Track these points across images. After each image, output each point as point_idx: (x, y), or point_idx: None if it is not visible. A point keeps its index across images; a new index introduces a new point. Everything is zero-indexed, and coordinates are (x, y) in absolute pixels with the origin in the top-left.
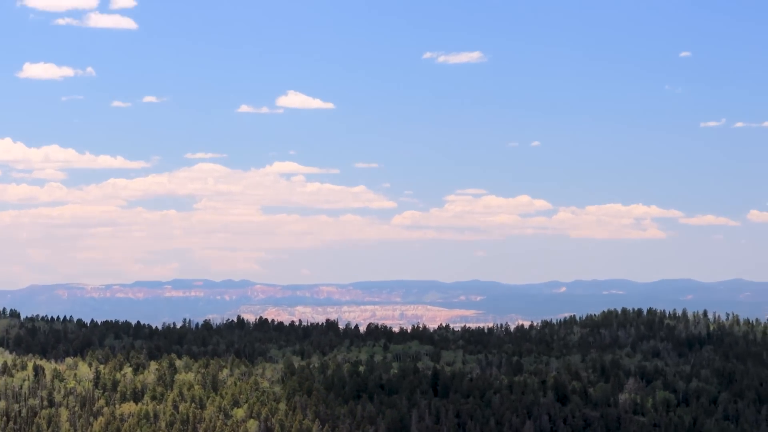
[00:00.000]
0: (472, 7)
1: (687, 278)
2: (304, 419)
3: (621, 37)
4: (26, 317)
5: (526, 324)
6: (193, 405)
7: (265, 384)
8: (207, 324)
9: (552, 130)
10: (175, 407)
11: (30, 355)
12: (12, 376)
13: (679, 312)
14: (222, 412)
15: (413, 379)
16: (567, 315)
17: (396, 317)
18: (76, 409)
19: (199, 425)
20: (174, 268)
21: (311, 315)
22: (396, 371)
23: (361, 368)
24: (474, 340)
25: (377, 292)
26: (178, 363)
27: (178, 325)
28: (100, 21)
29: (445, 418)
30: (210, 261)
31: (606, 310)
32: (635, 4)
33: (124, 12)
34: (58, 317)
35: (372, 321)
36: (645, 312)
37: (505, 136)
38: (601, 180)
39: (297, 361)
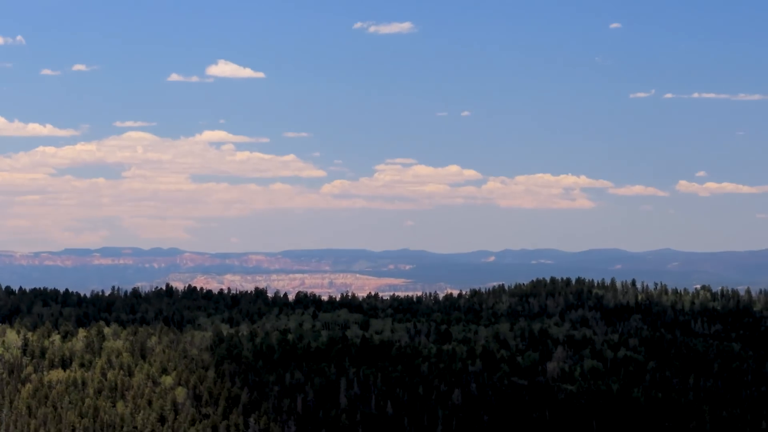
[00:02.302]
0: None
1: (615, 248)
2: (232, 386)
3: (551, 9)
4: None
5: (455, 293)
6: (121, 372)
7: (194, 351)
8: (136, 292)
9: (481, 100)
10: (104, 374)
11: None
12: None
13: (608, 281)
14: (150, 380)
15: (342, 347)
16: (496, 284)
17: (325, 286)
18: (4, 376)
19: (127, 392)
20: (103, 236)
21: (240, 283)
22: (325, 339)
23: (290, 336)
24: (403, 308)
25: (306, 261)
26: (107, 330)
27: (107, 293)
28: None
29: (374, 386)
30: (139, 229)
31: (535, 279)
32: None
33: None
34: None
35: (301, 289)
36: (573, 281)
37: (434, 106)
38: (530, 150)
39: (226, 329)
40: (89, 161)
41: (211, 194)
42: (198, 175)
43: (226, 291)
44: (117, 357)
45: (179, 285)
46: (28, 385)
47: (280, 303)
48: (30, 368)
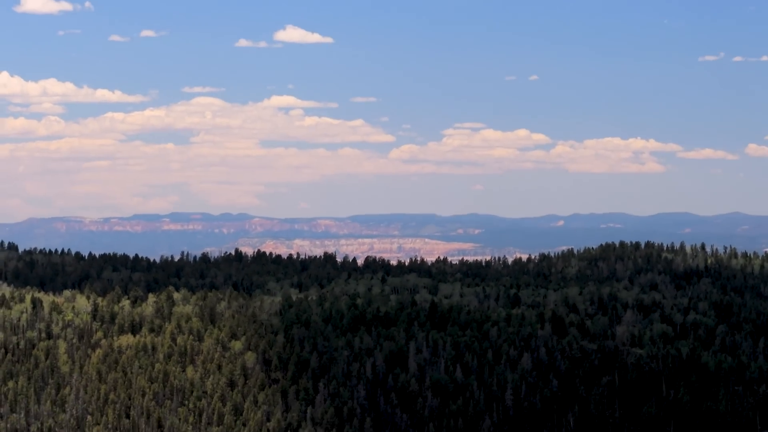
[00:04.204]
0: None
1: (685, 212)
2: (301, 351)
3: None
4: (24, 250)
5: (524, 257)
6: (191, 337)
7: (263, 316)
8: (205, 257)
9: (550, 64)
10: (173, 339)
11: (28, 287)
12: (10, 308)
13: (677, 245)
14: (220, 345)
15: (411, 312)
16: (565, 248)
17: (394, 250)
18: (74, 341)
19: (197, 357)
20: (172, 202)
21: (309, 248)
22: (394, 304)
23: (359, 301)
24: (472, 273)
25: (375, 226)
26: (176, 295)
27: (176, 258)
28: None
29: (443, 350)
30: (208, 194)
31: (604, 244)
32: None
33: None
34: (56, 250)
35: (370, 254)
36: (643, 245)
37: (503, 69)
38: (599, 114)
39: (295, 294)
40: (158, 127)
41: (280, 159)
42: (267, 141)
43: (295, 256)
44: (186, 322)
45: (248, 250)
46: (98, 351)
47: (349, 268)
48: (100, 333)
